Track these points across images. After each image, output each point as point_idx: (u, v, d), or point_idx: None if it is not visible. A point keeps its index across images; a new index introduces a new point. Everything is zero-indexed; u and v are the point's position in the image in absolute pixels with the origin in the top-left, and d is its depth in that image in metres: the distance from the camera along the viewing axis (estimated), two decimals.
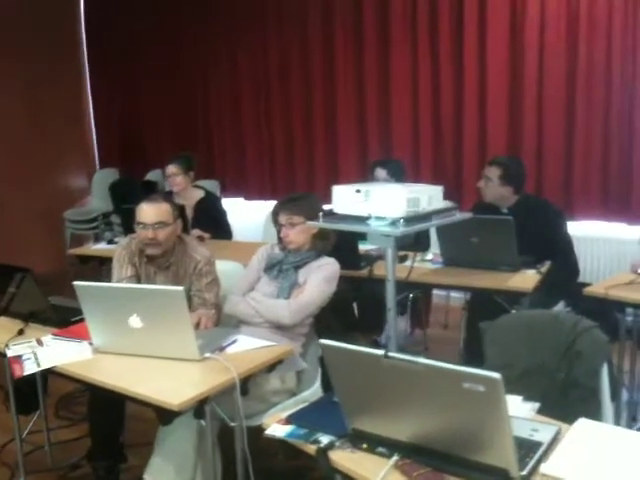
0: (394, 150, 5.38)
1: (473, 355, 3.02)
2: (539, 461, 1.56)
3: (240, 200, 6.47)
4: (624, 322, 3.06)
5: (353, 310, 3.81)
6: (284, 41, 5.90)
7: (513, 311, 3.09)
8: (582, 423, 1.75)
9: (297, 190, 5.96)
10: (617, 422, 3.06)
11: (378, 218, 2.34)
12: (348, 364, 1.59)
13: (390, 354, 1.47)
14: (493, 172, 3.63)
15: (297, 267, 2.79)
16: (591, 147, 4.62)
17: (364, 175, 4.68)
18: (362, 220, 2.38)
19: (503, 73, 4.85)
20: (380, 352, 1.49)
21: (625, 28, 4.37)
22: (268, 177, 6.27)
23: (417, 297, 4.34)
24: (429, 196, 2.45)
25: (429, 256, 3.61)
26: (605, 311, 3.08)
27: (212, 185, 5.78)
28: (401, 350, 4.17)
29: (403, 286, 3.30)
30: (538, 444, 1.63)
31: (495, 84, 4.89)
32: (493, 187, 3.65)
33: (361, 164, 5.50)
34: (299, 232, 2.77)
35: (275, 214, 2.87)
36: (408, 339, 4.66)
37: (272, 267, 2.82)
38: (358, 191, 2.40)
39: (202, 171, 6.06)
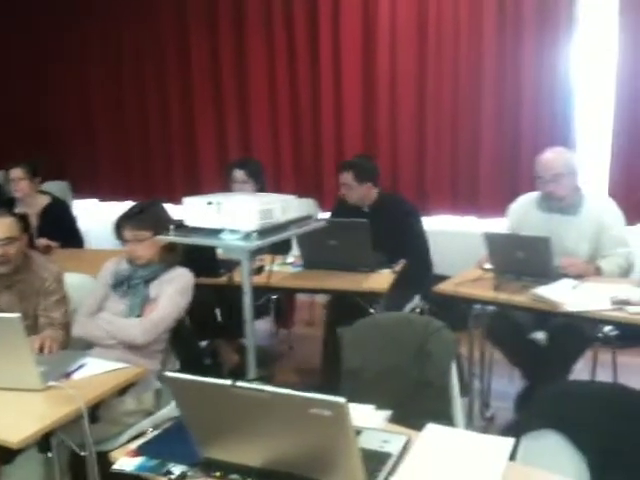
0: (253, 151, 5.34)
1: (332, 356, 3.07)
2: (389, 474, 1.60)
3: (94, 201, 6.14)
4: (472, 315, 3.23)
5: (216, 316, 3.75)
6: (139, 33, 5.65)
7: (371, 310, 3.18)
8: (430, 429, 1.81)
9: (155, 188, 5.77)
10: (470, 412, 3.25)
11: (232, 231, 2.29)
12: (196, 395, 1.54)
13: (237, 384, 1.44)
14: (347, 177, 3.71)
15: (147, 281, 2.66)
16: (441, 147, 4.83)
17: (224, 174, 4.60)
18: (215, 233, 2.33)
19: (357, 76, 4.96)
20: (227, 382, 1.45)
21: (470, 29, 4.57)
22: (123, 176, 5.97)
23: (280, 298, 4.35)
24: (283, 206, 2.44)
25: (290, 259, 3.62)
26: (456, 302, 3.24)
27: (62, 186, 5.47)
28: (265, 352, 4.20)
29: (265, 289, 3.30)
30: (388, 455, 1.67)
31: (350, 87, 4.98)
32: (354, 190, 3.73)
33: (221, 163, 5.39)
34: (147, 247, 2.64)
35: (118, 228, 2.68)
36: (273, 339, 4.68)
37: (120, 284, 2.66)
38: (210, 203, 2.34)
39: (52, 171, 5.69)
